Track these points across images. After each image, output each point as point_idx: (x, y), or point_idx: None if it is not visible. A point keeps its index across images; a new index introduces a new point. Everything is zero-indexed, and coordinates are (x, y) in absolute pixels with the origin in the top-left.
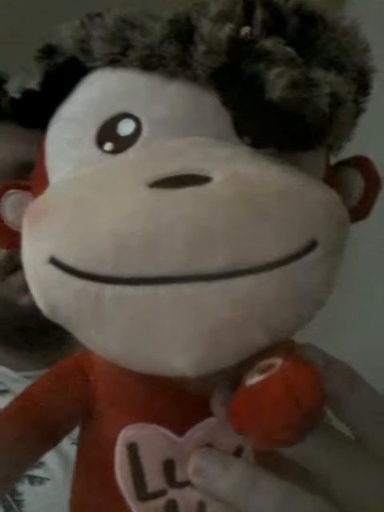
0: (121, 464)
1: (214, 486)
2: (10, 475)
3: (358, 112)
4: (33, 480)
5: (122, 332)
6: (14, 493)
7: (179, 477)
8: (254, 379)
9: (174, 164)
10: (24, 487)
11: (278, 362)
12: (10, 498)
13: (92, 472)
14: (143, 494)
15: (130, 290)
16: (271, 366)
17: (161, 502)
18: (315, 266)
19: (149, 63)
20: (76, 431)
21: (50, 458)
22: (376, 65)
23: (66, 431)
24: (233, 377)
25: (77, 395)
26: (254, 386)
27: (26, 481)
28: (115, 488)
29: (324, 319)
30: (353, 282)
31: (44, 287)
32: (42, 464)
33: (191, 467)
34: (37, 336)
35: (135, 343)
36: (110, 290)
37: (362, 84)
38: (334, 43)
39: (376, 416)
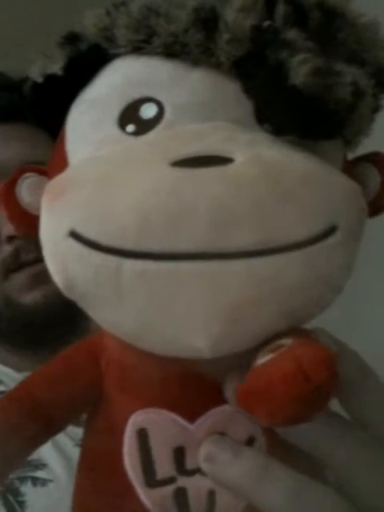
0: (130, 450)
1: (224, 473)
2: (5, 466)
3: (377, 108)
4: (36, 481)
5: (140, 307)
6: (16, 494)
7: (189, 464)
8: (263, 358)
9: (196, 145)
10: (27, 488)
11: (288, 341)
12: (12, 499)
13: (99, 462)
14: (152, 481)
15: (151, 264)
16: (281, 346)
17: (170, 489)
18: (335, 250)
19: (173, 50)
20: (80, 433)
21: (53, 459)
22: None
23: (69, 420)
24: (247, 363)
25: (86, 380)
26: (264, 363)
27: (29, 482)
28: (123, 475)
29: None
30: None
31: (63, 261)
32: (44, 466)
33: (202, 454)
34: (40, 335)
35: (153, 319)
36: (130, 264)
37: (381, 80)
38: (354, 38)
39: None
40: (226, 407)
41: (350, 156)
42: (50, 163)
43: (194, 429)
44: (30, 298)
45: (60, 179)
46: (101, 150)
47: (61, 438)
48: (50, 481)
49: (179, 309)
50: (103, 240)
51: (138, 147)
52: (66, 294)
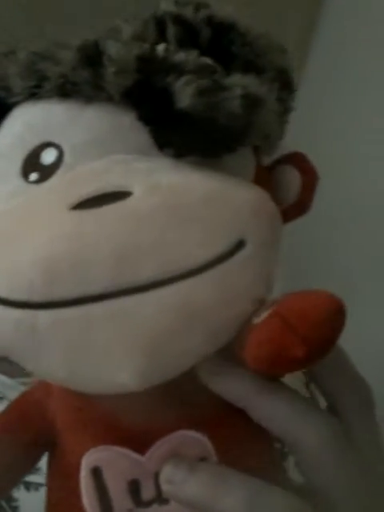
0: (86, 490)
1: (183, 491)
2: None
3: (285, 110)
4: (29, 486)
5: (62, 355)
6: (9, 499)
7: (145, 496)
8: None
9: (94, 183)
10: (20, 493)
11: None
12: (5, 505)
13: (60, 504)
14: None
15: (63, 312)
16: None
17: None
18: (246, 264)
19: (65, 91)
20: None
21: (46, 464)
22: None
23: (31, 466)
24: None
25: (37, 428)
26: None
27: (22, 487)
28: None
29: None
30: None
31: None
32: (37, 469)
33: (161, 478)
34: None
35: (77, 365)
36: (44, 315)
37: (285, 82)
38: (248, 48)
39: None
40: (173, 435)
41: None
42: None
43: (145, 460)
44: None
45: None
46: (9, 203)
47: None
48: (43, 485)
49: (98, 350)
50: (14, 296)
51: (38, 196)
52: None
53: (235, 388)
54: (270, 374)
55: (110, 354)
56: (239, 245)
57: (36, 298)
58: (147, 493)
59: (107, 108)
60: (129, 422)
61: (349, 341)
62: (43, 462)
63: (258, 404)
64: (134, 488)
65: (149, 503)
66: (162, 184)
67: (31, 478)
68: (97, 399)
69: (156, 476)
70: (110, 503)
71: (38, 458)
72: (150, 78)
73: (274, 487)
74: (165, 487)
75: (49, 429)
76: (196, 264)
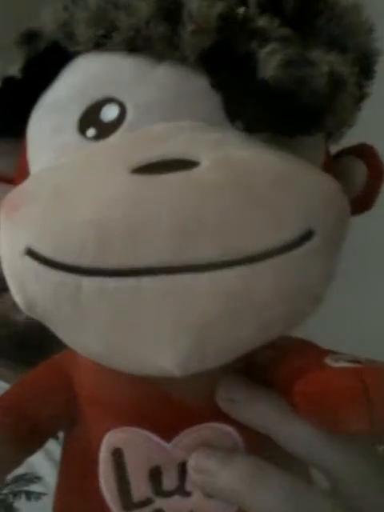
0: (105, 472)
1: (216, 482)
2: None
3: (361, 96)
4: (30, 495)
5: (103, 328)
6: (11, 509)
7: (166, 485)
8: (337, 363)
9: (159, 148)
10: (21, 503)
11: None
12: None
13: (75, 484)
14: (129, 504)
15: (111, 282)
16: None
17: (147, 511)
18: (312, 256)
19: (135, 45)
20: None
21: (47, 471)
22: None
23: (50, 434)
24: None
25: (60, 397)
26: (333, 369)
27: (23, 496)
28: (100, 498)
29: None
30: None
31: (21, 281)
32: (39, 478)
33: (190, 466)
34: (36, 353)
35: (118, 340)
36: (89, 282)
37: (365, 67)
38: (334, 22)
39: None
40: (203, 425)
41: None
42: (16, 173)
43: (170, 447)
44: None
45: (16, 192)
46: (61, 158)
47: (55, 449)
48: (45, 494)
49: (143, 328)
50: (59, 257)
51: (97, 153)
52: (29, 314)
53: (256, 417)
54: (307, 418)
55: (154, 334)
56: (307, 235)
57: (84, 262)
58: (169, 482)
59: (178, 68)
60: (157, 405)
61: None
62: (45, 472)
63: (281, 431)
64: (156, 475)
65: (170, 494)
66: (232, 158)
67: (32, 487)
68: (128, 378)
69: (180, 466)
70: (129, 488)
71: (46, 438)
72: (230, 41)
73: (312, 487)
74: (196, 477)
75: (72, 400)
76: (259, 250)
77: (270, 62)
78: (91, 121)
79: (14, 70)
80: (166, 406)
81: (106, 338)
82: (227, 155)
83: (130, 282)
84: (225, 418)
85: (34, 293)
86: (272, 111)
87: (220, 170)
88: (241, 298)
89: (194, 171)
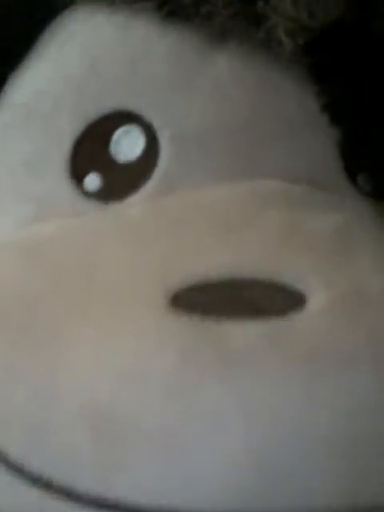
0: None
1: None
2: None
3: None
4: None
5: None
6: None
7: None
8: None
9: (223, 251)
10: None
11: None
12: None
13: None
14: None
15: None
16: None
17: None
18: None
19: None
20: None
21: None
22: None
23: None
24: None
25: None
26: None
27: None
28: None
29: None
30: None
31: None
32: None
33: None
34: None
35: None
36: None
37: None
38: None
39: None
40: None
41: None
42: None
43: None
44: None
45: None
46: (36, 227)
47: None
48: None
49: None
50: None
51: (108, 249)
52: None
53: None
54: None
55: None
56: None
57: None
58: None
59: (253, 60)
60: None
61: None
62: None
63: None
64: None
65: None
66: (368, 292)
67: None
68: None
69: None
70: None
71: None
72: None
73: None
74: None
75: None
76: None
77: None
78: (94, 156)
79: None
80: None
81: None
82: (360, 286)
83: None
84: None
85: None
86: None
87: (351, 332)
88: None
89: (298, 322)
